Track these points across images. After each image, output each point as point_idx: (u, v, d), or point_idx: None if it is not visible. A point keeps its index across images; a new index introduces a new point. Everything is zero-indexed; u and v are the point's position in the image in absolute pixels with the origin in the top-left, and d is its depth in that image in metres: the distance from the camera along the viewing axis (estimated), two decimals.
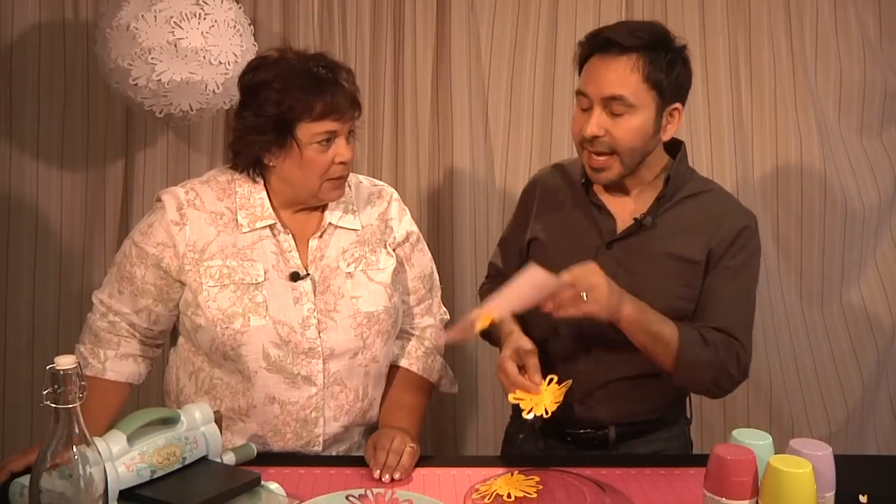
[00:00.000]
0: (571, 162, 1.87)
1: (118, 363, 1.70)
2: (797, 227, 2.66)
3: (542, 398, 1.57)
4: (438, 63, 2.61)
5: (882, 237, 2.71)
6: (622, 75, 1.60)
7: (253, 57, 2.28)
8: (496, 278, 1.94)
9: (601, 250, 1.72)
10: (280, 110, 1.59)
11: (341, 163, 1.64)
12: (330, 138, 1.62)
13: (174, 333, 1.77)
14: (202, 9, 2.16)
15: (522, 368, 1.63)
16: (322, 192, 1.66)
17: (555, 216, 1.82)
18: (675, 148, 1.77)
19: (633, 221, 1.71)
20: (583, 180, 1.76)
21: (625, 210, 1.73)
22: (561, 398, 1.57)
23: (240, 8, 2.31)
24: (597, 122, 1.63)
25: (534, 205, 1.87)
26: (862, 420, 2.72)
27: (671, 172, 1.71)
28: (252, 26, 2.35)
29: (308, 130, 1.60)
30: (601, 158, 1.66)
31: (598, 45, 1.64)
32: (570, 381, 1.59)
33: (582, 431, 1.78)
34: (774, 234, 2.67)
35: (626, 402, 1.75)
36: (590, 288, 1.52)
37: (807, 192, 2.64)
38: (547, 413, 1.55)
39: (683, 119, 2.54)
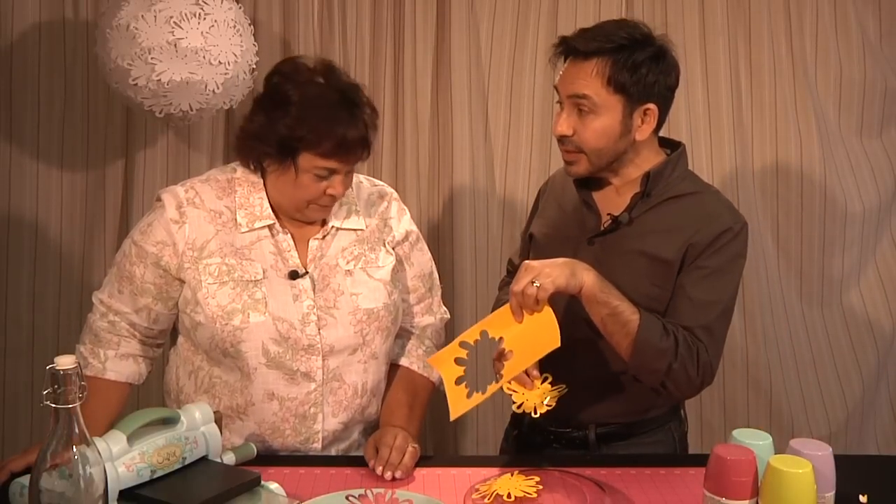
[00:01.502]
0: None
1: (118, 363, 1.70)
2: (797, 227, 2.66)
3: (534, 395, 1.58)
4: (438, 63, 2.62)
5: (882, 237, 2.71)
6: (585, 79, 1.63)
7: (253, 57, 2.30)
8: (511, 273, 1.99)
9: (582, 246, 1.72)
10: (290, 135, 1.58)
11: (332, 195, 1.64)
12: (328, 174, 1.62)
13: (174, 333, 1.78)
14: (202, 9, 2.16)
15: None
16: (308, 212, 1.67)
17: (552, 213, 1.84)
18: (674, 147, 1.77)
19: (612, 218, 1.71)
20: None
21: (611, 208, 1.73)
22: (553, 403, 1.59)
23: (240, 8, 2.31)
24: (566, 122, 1.66)
25: (540, 201, 1.91)
26: (862, 420, 2.72)
27: (652, 171, 1.70)
28: (252, 26, 2.35)
29: (310, 162, 1.60)
30: (570, 155, 1.70)
31: (564, 51, 1.67)
32: (563, 386, 1.60)
33: (563, 430, 1.78)
34: (774, 235, 2.67)
35: (605, 402, 1.75)
36: (538, 275, 1.52)
37: (807, 192, 2.64)
38: (536, 413, 1.57)
39: (683, 119, 2.58)
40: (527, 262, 1.56)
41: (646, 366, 1.61)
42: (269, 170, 1.66)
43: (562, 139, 1.68)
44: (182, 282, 1.66)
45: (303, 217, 1.69)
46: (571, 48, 1.66)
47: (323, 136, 1.57)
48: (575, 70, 1.65)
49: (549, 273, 1.52)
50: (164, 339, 1.78)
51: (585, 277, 1.55)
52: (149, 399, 2.37)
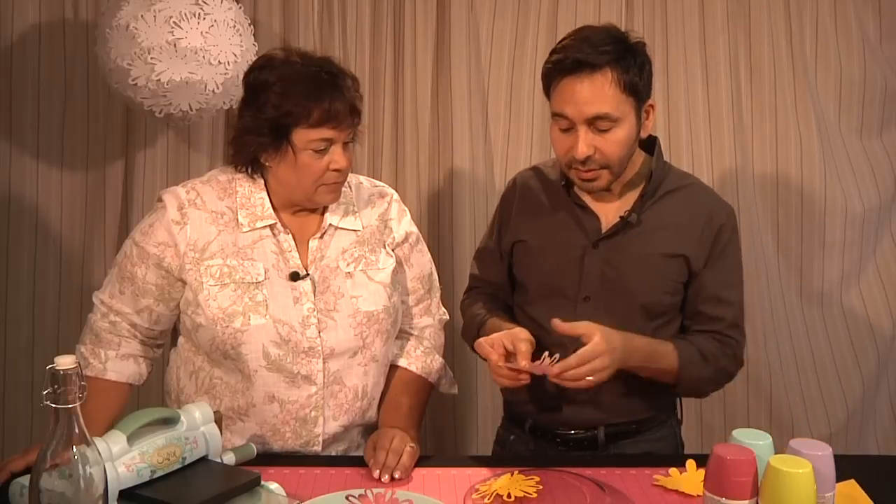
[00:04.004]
0: (548, 164, 1.87)
1: (119, 363, 1.70)
2: (797, 227, 2.66)
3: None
4: (438, 63, 2.61)
5: (882, 237, 2.71)
6: (601, 92, 1.58)
7: (253, 57, 2.29)
8: (479, 289, 1.94)
9: (588, 250, 1.72)
10: (278, 114, 1.59)
11: (336, 170, 1.64)
12: (326, 146, 1.62)
13: (174, 333, 1.78)
14: (202, 9, 2.16)
15: (513, 356, 1.61)
16: (317, 196, 1.67)
17: (538, 218, 1.81)
18: (647, 141, 1.76)
19: (618, 220, 1.71)
20: (563, 182, 1.76)
21: (608, 208, 1.74)
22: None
23: (240, 8, 2.31)
24: (585, 143, 1.61)
25: (513, 207, 1.86)
26: (862, 420, 2.71)
27: (653, 169, 1.72)
28: (252, 26, 2.35)
29: (304, 136, 1.60)
30: (591, 173, 1.66)
31: (568, 67, 1.60)
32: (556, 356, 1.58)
33: (572, 432, 1.78)
34: (774, 234, 2.67)
35: (616, 402, 1.75)
36: (593, 371, 1.53)
37: (807, 191, 2.64)
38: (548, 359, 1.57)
39: (683, 119, 2.58)
40: (600, 344, 1.53)
41: (692, 392, 1.78)
42: (269, 164, 1.66)
43: (584, 161, 1.63)
44: (184, 283, 1.66)
45: (313, 203, 1.69)
46: (580, 62, 1.59)
47: (310, 106, 1.58)
48: (586, 88, 1.59)
49: (603, 376, 1.55)
50: (164, 339, 1.78)
51: (630, 363, 1.62)
52: (149, 399, 2.37)
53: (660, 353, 1.67)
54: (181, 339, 1.75)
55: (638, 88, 1.62)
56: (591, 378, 1.53)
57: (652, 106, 1.69)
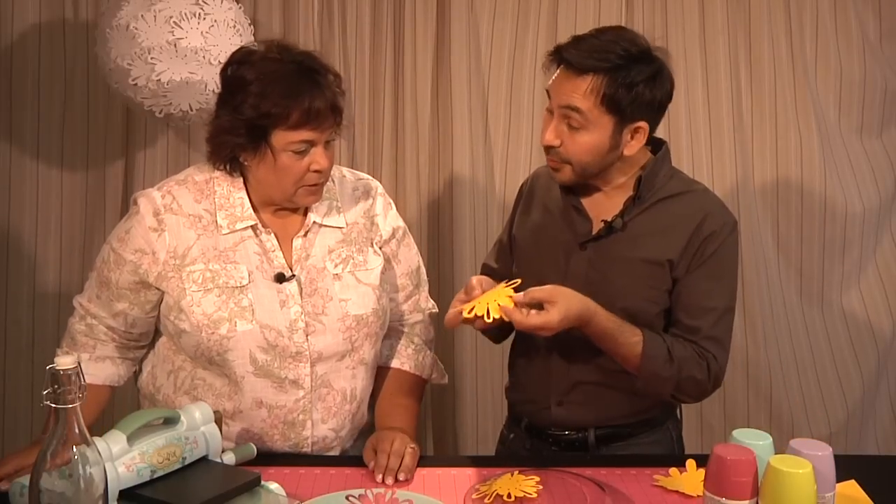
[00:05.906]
0: None
1: (93, 366, 1.68)
2: (797, 226, 2.66)
3: (485, 297, 1.52)
4: (438, 63, 2.61)
5: (882, 237, 2.71)
6: (579, 94, 1.60)
7: None
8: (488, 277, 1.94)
9: (574, 252, 1.72)
10: (256, 115, 1.54)
11: (317, 171, 1.60)
12: (306, 148, 1.57)
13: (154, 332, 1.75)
14: (202, 9, 2.16)
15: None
16: (297, 197, 1.63)
17: (538, 215, 1.81)
18: (656, 145, 1.75)
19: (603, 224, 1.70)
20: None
21: (601, 212, 1.72)
22: (506, 297, 1.51)
23: (240, 8, 2.32)
24: (553, 132, 1.64)
25: (521, 201, 1.88)
26: (862, 420, 2.72)
27: (643, 174, 1.69)
28: (252, 26, 2.35)
29: (283, 138, 1.56)
30: (554, 163, 1.68)
31: (558, 59, 1.64)
32: (517, 281, 1.55)
33: (564, 433, 1.78)
34: (774, 234, 2.67)
35: (605, 404, 1.74)
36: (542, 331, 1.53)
37: (807, 191, 2.64)
38: (489, 316, 1.49)
39: (683, 119, 2.58)
40: (542, 321, 1.52)
41: (651, 388, 1.67)
42: (248, 164, 1.62)
43: (548, 149, 1.66)
44: (159, 290, 1.64)
45: (293, 204, 1.65)
46: (566, 60, 1.62)
47: (289, 107, 1.53)
48: (569, 82, 1.61)
49: (552, 330, 1.54)
50: (146, 340, 1.75)
51: (588, 330, 1.59)
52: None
53: (623, 338, 1.62)
54: (161, 339, 1.72)
55: (620, 106, 1.59)
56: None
57: (642, 129, 1.64)
